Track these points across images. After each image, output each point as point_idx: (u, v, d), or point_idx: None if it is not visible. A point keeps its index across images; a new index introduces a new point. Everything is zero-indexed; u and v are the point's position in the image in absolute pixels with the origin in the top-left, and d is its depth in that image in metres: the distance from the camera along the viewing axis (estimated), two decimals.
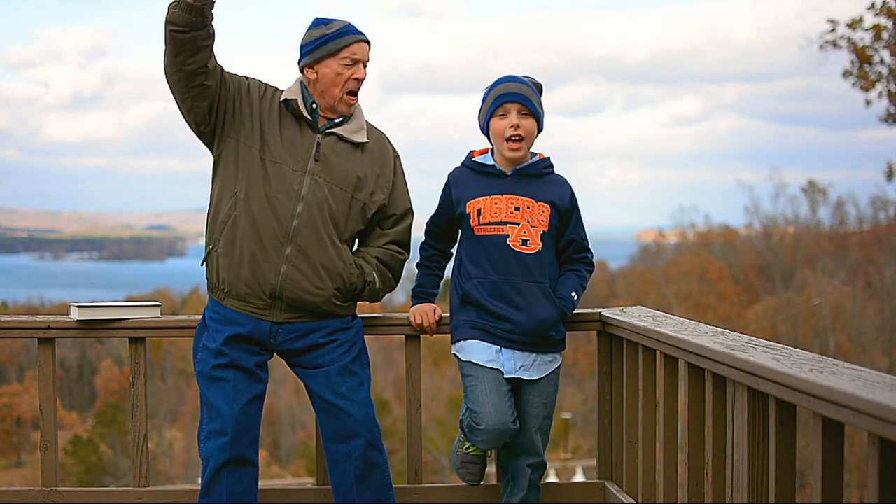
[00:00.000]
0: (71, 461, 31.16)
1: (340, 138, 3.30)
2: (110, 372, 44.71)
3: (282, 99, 3.28)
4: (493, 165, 3.33)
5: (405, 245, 3.45)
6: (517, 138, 3.26)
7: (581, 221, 3.41)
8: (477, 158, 3.38)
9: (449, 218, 3.41)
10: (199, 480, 3.27)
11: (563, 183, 3.38)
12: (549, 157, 3.39)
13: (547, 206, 3.29)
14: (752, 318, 35.76)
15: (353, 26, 3.28)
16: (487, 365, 3.26)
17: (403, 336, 3.68)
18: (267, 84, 3.37)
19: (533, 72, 3.70)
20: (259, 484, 3.33)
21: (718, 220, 50.12)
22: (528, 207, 3.28)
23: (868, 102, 15.99)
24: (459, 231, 3.44)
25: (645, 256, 53.29)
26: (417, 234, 3.54)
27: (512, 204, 3.28)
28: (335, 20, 3.28)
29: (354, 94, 3.30)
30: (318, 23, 3.27)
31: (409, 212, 3.46)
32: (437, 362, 37.13)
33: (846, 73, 15.97)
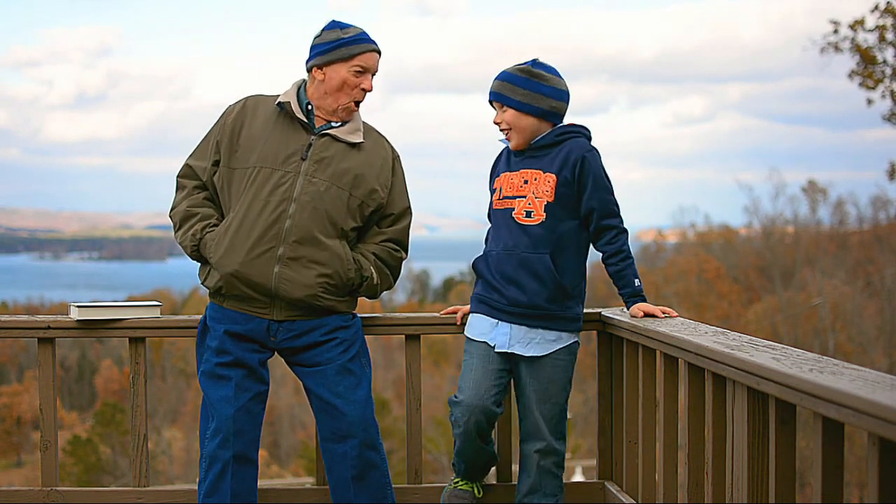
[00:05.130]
0: (70, 461, 31.13)
1: (335, 139, 3.31)
2: (110, 372, 44.66)
3: (277, 102, 3.31)
4: None
5: (403, 244, 3.46)
6: (505, 131, 3.35)
7: (603, 183, 3.26)
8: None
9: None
10: (198, 480, 3.28)
11: (576, 147, 3.27)
12: (569, 124, 3.32)
13: (553, 175, 3.27)
14: (751, 317, 35.72)
15: (368, 35, 3.32)
16: (479, 339, 3.30)
17: (403, 336, 3.69)
18: (247, 99, 3.40)
19: None
20: (259, 484, 3.34)
21: (718, 220, 50.11)
22: (536, 179, 3.29)
23: (870, 102, 16.00)
24: None
25: (645, 256, 53.16)
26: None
27: (522, 178, 3.32)
28: (352, 25, 3.32)
29: (358, 103, 3.33)
30: (335, 25, 3.31)
31: (408, 211, 3.47)
32: (437, 362, 37.11)
33: (852, 74, 15.97)
